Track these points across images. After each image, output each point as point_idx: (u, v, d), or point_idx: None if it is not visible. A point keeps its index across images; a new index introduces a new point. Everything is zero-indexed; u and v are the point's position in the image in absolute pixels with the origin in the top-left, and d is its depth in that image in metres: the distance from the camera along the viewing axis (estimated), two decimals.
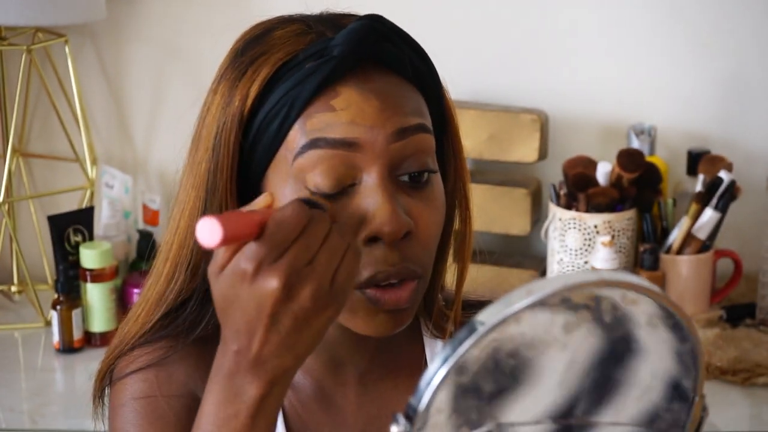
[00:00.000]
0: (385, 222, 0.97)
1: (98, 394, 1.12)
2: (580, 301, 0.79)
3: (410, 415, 0.78)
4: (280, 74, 1.01)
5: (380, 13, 1.07)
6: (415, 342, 1.14)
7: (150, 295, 1.09)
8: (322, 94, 0.99)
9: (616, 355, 0.82)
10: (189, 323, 1.08)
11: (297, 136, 0.99)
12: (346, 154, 0.98)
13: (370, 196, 0.99)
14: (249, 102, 1.01)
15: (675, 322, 0.82)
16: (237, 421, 0.90)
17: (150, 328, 1.09)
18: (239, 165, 1.03)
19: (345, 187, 0.99)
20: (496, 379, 0.79)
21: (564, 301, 0.78)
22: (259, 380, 0.90)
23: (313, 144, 0.99)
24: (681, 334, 0.83)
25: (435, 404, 0.78)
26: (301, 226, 0.89)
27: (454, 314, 1.12)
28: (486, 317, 0.77)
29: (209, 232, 0.85)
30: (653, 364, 0.84)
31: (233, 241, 0.88)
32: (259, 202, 0.94)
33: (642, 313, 0.81)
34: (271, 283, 0.88)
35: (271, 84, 1.01)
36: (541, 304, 0.77)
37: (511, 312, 0.76)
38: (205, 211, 1.04)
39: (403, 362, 1.12)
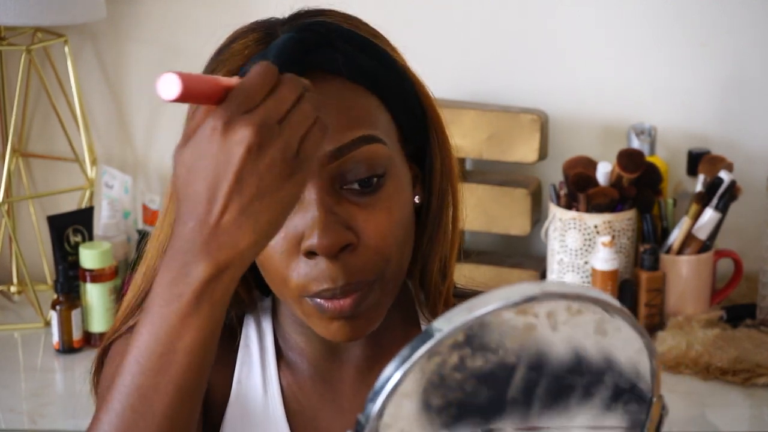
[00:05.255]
0: (318, 236, 0.98)
1: (98, 371, 1.12)
2: (524, 312, 0.79)
3: (359, 431, 0.77)
4: None
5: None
6: (411, 326, 1.15)
7: (137, 288, 1.10)
8: None
9: (568, 362, 0.82)
10: None
11: None
12: None
13: (307, 210, 0.99)
14: None
15: (625, 329, 0.82)
16: (180, 302, 0.87)
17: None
18: None
19: None
20: (443, 393, 0.79)
21: (504, 313, 0.78)
22: (210, 258, 0.86)
23: None
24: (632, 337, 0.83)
25: (384, 418, 0.77)
26: (270, 84, 0.86)
27: (446, 291, 1.12)
28: (426, 337, 0.76)
29: (169, 85, 0.84)
30: (606, 369, 0.83)
31: (193, 97, 0.85)
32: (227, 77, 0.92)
33: (590, 321, 0.80)
34: (243, 133, 0.85)
35: None
36: (486, 318, 0.77)
37: (452, 329, 0.76)
38: None
39: (401, 346, 1.12)
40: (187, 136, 0.88)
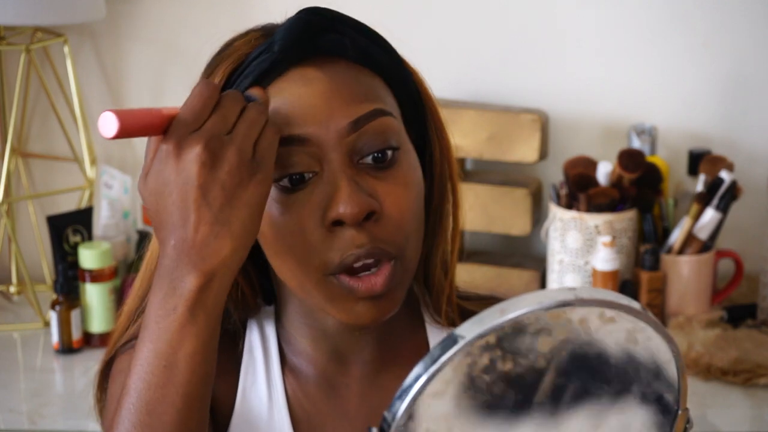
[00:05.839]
0: (344, 204, 0.98)
1: (101, 386, 1.12)
2: (557, 317, 0.78)
3: (384, 428, 0.77)
4: (231, 80, 1.02)
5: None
6: (418, 330, 1.14)
7: (137, 290, 1.11)
8: (269, 91, 1.00)
9: (595, 370, 0.82)
10: None
11: None
12: (301, 149, 0.99)
13: (329, 182, 0.99)
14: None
15: (656, 339, 0.82)
16: (175, 315, 0.91)
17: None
18: None
19: (308, 177, 1.00)
20: (472, 394, 0.79)
21: (539, 318, 0.78)
22: (196, 270, 0.91)
23: None
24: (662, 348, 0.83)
25: (410, 417, 0.77)
26: (213, 101, 0.92)
27: (448, 289, 1.11)
28: (462, 333, 0.76)
29: (107, 123, 0.88)
30: (634, 379, 0.83)
31: (134, 131, 0.90)
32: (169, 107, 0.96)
33: (621, 329, 0.80)
34: (194, 150, 0.90)
35: (225, 89, 1.01)
36: (517, 321, 0.77)
37: (484, 331, 0.76)
38: None
39: (407, 351, 1.12)
40: (146, 168, 0.93)
